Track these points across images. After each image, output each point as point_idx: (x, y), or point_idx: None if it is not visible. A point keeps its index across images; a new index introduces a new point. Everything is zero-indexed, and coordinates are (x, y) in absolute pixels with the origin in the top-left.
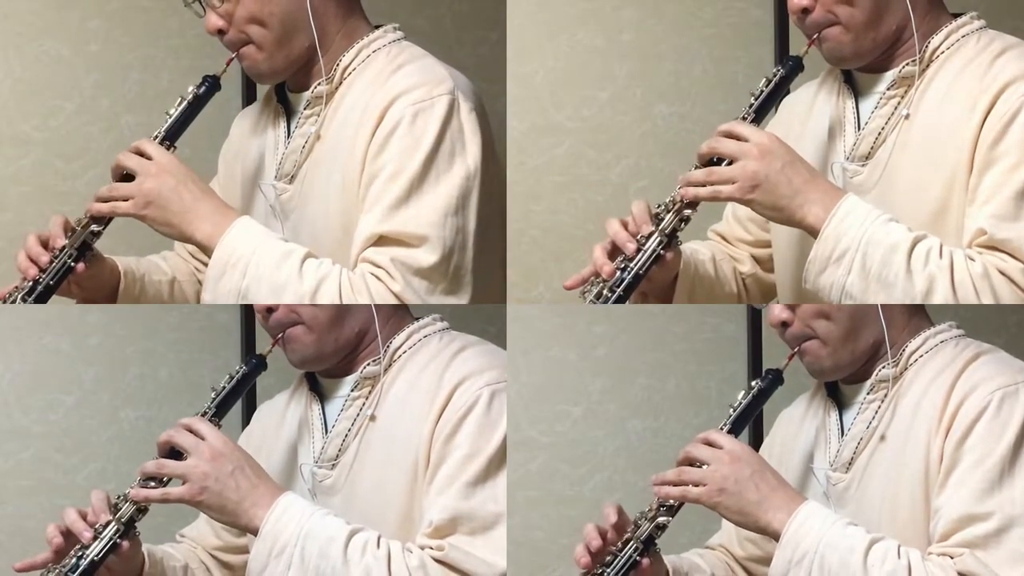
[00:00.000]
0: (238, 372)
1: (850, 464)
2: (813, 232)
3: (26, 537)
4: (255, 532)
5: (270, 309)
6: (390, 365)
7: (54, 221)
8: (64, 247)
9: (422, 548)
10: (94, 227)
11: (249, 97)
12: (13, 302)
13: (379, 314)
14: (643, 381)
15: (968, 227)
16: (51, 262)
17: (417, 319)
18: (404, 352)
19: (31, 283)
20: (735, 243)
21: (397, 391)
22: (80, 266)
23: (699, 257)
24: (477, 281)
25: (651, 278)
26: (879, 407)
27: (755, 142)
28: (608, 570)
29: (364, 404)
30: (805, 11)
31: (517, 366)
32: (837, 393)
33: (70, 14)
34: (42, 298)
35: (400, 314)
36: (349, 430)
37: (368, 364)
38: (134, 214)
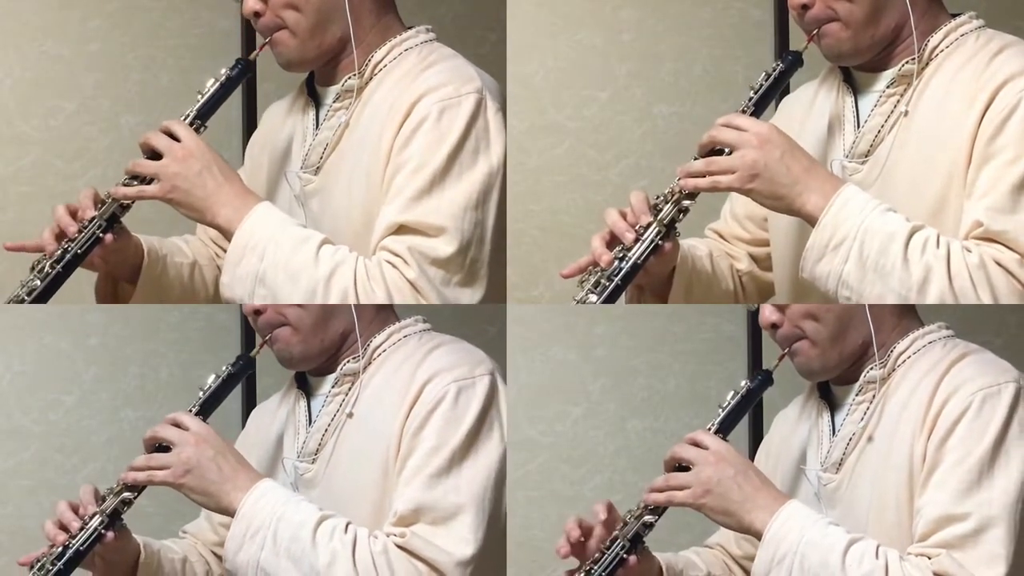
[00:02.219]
0: (224, 372)
1: (840, 465)
2: (811, 220)
3: (26, 537)
4: (233, 514)
5: (257, 311)
6: (370, 363)
7: (83, 193)
8: (93, 218)
9: (388, 535)
10: (124, 200)
11: (250, 95)
12: (41, 270)
13: (363, 314)
14: (643, 381)
15: (965, 220)
16: (80, 232)
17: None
18: (384, 351)
19: (60, 251)
20: (732, 241)
21: (374, 387)
22: (108, 237)
23: (696, 253)
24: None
25: (648, 271)
26: (868, 408)
27: (754, 132)
28: (595, 567)
29: (344, 400)
30: (805, 7)
31: (517, 366)
32: (829, 394)
33: (70, 14)
34: (70, 267)
35: (383, 315)
36: (329, 425)
37: (348, 361)
38: (159, 197)
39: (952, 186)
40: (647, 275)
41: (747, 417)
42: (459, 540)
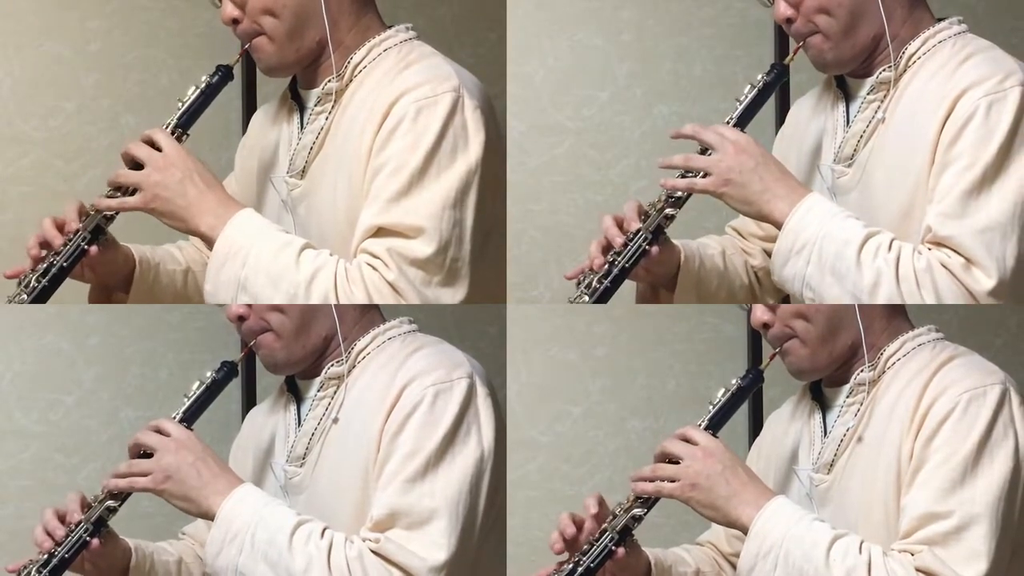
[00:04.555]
0: (208, 378)
1: (831, 465)
2: (778, 226)
3: (26, 537)
4: (213, 519)
5: (241, 317)
6: (354, 366)
7: (68, 206)
8: (78, 230)
9: (364, 540)
10: (107, 212)
11: (250, 97)
12: (27, 285)
13: (346, 317)
14: (643, 381)
15: (923, 225)
16: (65, 245)
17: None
18: (368, 354)
19: (46, 264)
20: (748, 238)
21: (358, 391)
22: (93, 249)
23: (707, 251)
24: (477, 280)
25: (652, 271)
26: (858, 410)
27: (732, 140)
28: (584, 559)
29: (329, 405)
30: (789, 20)
31: (517, 366)
32: (821, 395)
33: (70, 14)
34: (56, 280)
35: (368, 318)
36: (315, 430)
37: (332, 365)
38: (141, 208)
39: (918, 191)
40: (652, 276)
41: (747, 416)
42: (432, 545)
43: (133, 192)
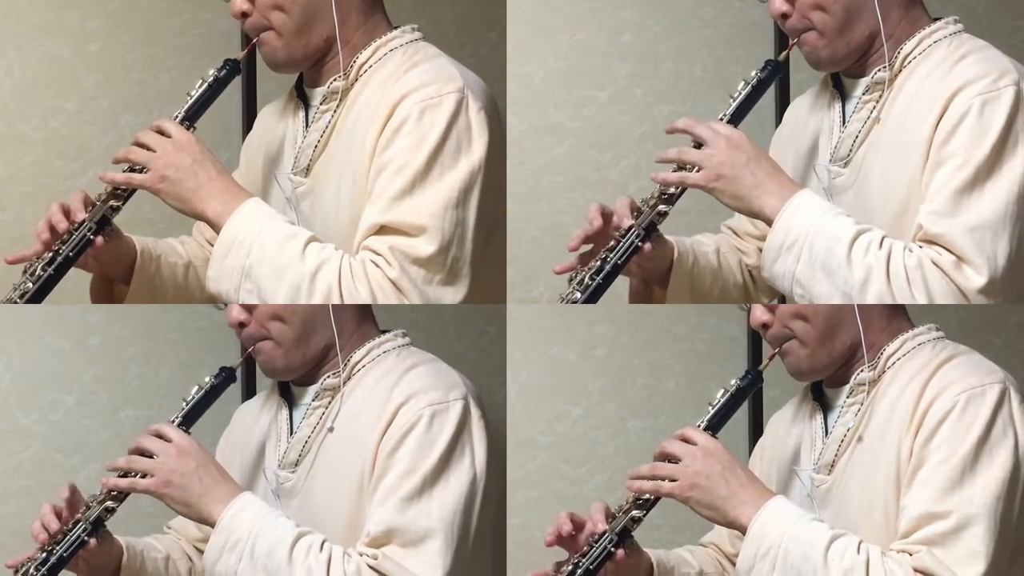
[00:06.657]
0: (207, 384)
1: (832, 466)
2: (769, 222)
3: (26, 537)
4: (213, 525)
5: (242, 324)
6: (349, 378)
7: (74, 196)
8: (84, 220)
9: (361, 555)
10: (113, 202)
11: (250, 95)
12: (32, 273)
13: (344, 328)
14: (643, 381)
15: (916, 223)
16: (71, 234)
17: (384, 332)
18: (363, 366)
19: (52, 253)
20: (743, 236)
21: (352, 403)
22: (99, 239)
23: (701, 249)
24: (478, 279)
25: (644, 268)
26: (859, 410)
27: (725, 136)
28: (583, 560)
29: (324, 414)
30: (784, 16)
31: (517, 366)
32: (822, 396)
33: (70, 14)
34: (61, 269)
35: (364, 329)
36: (309, 437)
37: (328, 376)
38: (149, 187)
39: (913, 191)
40: (645, 272)
41: (746, 416)
42: (428, 565)
43: (143, 172)
